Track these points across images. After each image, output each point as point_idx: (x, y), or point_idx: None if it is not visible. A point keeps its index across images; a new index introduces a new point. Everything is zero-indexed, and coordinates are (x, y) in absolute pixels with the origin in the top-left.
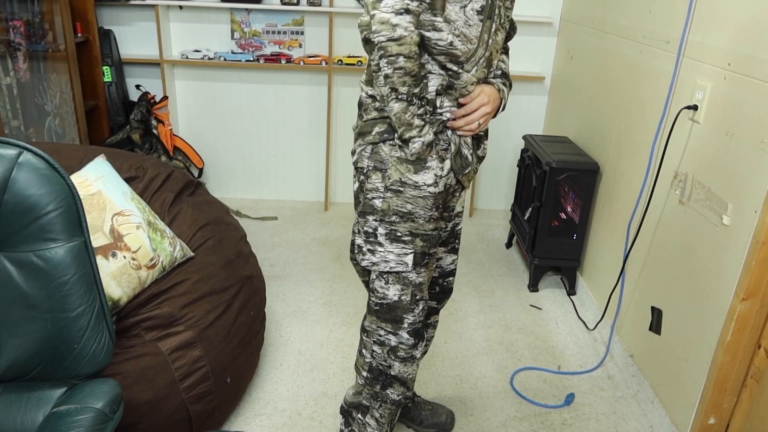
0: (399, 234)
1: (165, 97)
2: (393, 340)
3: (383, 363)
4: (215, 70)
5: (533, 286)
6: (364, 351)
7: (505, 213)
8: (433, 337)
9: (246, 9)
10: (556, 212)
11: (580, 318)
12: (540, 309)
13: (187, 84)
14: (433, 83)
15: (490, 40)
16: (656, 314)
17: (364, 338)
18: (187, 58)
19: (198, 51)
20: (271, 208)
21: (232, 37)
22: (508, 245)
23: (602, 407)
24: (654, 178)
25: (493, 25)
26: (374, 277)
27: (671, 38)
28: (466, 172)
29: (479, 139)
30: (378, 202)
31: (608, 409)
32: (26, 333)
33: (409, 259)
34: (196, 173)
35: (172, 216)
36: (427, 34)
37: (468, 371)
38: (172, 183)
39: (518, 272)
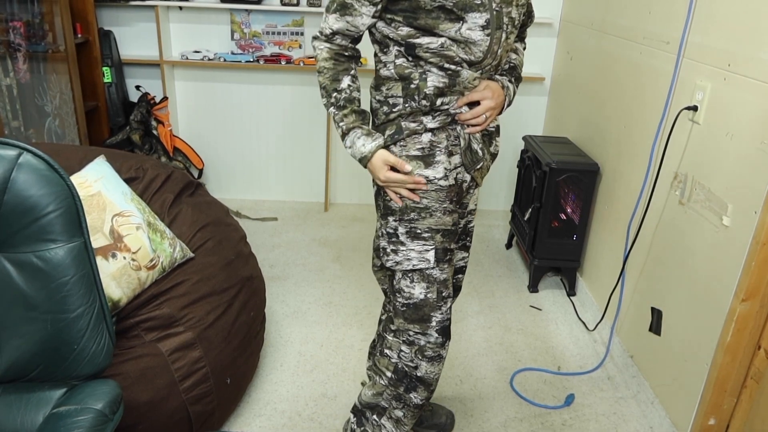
0: (419, 231)
1: (165, 98)
2: (422, 340)
3: (410, 363)
4: (215, 70)
5: (533, 287)
6: (388, 351)
7: (504, 213)
8: None
9: (246, 10)
10: (556, 213)
11: (580, 319)
12: (540, 310)
13: (187, 85)
14: (432, 80)
15: (500, 50)
16: (656, 315)
17: (390, 338)
18: (187, 58)
19: (198, 52)
20: (271, 208)
21: (232, 38)
22: (508, 246)
23: (602, 408)
24: (654, 178)
25: (504, 35)
26: (399, 276)
27: (671, 39)
28: (478, 167)
29: (491, 135)
30: (394, 204)
31: (608, 409)
32: (26, 334)
33: (431, 255)
34: (196, 174)
35: (172, 217)
36: (416, 41)
37: (468, 372)
38: (172, 184)
39: (518, 273)
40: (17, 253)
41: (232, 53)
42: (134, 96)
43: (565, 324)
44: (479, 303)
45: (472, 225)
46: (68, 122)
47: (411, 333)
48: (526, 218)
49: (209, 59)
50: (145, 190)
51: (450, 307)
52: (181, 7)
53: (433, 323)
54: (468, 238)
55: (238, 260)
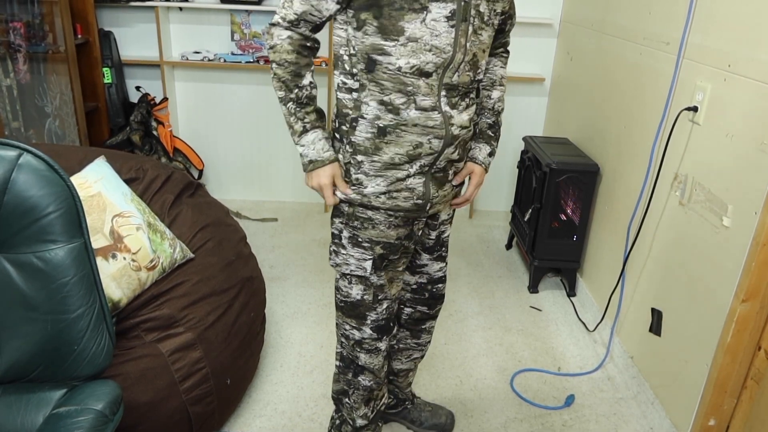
0: (360, 239)
1: (165, 99)
2: (357, 335)
3: (351, 353)
4: (215, 71)
5: (533, 288)
6: (336, 342)
7: (505, 214)
8: (429, 342)
9: (246, 10)
10: (556, 213)
11: (580, 319)
12: (540, 310)
13: (187, 85)
14: (362, 129)
15: (469, 43)
16: (656, 315)
17: (336, 330)
18: (187, 59)
19: (198, 52)
20: (271, 209)
21: (232, 39)
22: (508, 246)
23: (602, 409)
24: (654, 179)
25: (470, 27)
26: (338, 276)
27: (671, 39)
28: (428, 209)
29: (444, 172)
30: (345, 206)
31: (608, 410)
32: (26, 334)
33: (368, 264)
34: (196, 174)
35: (172, 217)
36: (378, 57)
37: (468, 372)
38: (172, 184)
39: (518, 273)
40: (17, 254)
41: (232, 54)
42: (134, 97)
43: (565, 325)
44: (479, 304)
45: (446, 235)
46: (68, 123)
47: (347, 327)
48: (526, 219)
49: (209, 60)
50: (145, 191)
51: (387, 308)
52: (181, 8)
53: (368, 321)
54: (443, 249)
55: (238, 261)
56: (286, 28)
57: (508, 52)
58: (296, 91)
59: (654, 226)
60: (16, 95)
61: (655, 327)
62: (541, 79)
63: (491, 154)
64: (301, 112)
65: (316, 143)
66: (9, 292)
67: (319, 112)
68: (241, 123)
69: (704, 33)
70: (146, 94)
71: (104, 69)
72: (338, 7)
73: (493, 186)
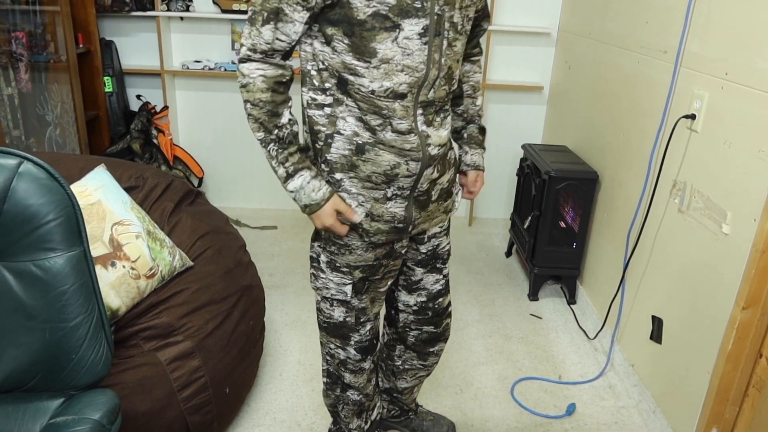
0: (338, 264)
1: (165, 107)
2: (342, 354)
3: (336, 372)
4: (216, 80)
5: (533, 295)
6: (322, 360)
7: (504, 222)
8: (436, 363)
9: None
10: (556, 221)
11: (580, 327)
12: (540, 318)
13: (187, 94)
14: (339, 146)
15: (444, 58)
16: (657, 323)
17: (321, 349)
18: (188, 68)
19: (198, 62)
20: (271, 217)
21: (233, 48)
22: (508, 254)
23: (604, 417)
24: (653, 186)
25: (445, 41)
26: (320, 298)
27: (668, 48)
28: (410, 230)
29: (427, 195)
30: (321, 231)
31: (610, 419)
32: (24, 343)
33: (348, 288)
34: (195, 183)
35: (171, 225)
36: (350, 77)
37: (468, 381)
38: (172, 192)
39: (518, 281)
40: (16, 262)
41: (233, 63)
42: (135, 105)
43: (565, 332)
44: (479, 311)
45: (443, 248)
46: (69, 131)
47: (332, 346)
48: (525, 226)
49: (210, 69)
50: (144, 199)
51: (370, 329)
52: (182, 18)
53: (352, 342)
54: (438, 261)
55: (238, 269)
56: (258, 61)
57: (481, 51)
58: (276, 131)
59: (653, 233)
60: (18, 104)
61: (656, 335)
62: (540, 87)
63: (482, 146)
64: (283, 154)
65: (305, 187)
66: (7, 300)
67: (303, 150)
68: (241, 131)
69: (701, 41)
70: (147, 103)
71: (105, 78)
72: (306, 26)
73: (493, 193)
